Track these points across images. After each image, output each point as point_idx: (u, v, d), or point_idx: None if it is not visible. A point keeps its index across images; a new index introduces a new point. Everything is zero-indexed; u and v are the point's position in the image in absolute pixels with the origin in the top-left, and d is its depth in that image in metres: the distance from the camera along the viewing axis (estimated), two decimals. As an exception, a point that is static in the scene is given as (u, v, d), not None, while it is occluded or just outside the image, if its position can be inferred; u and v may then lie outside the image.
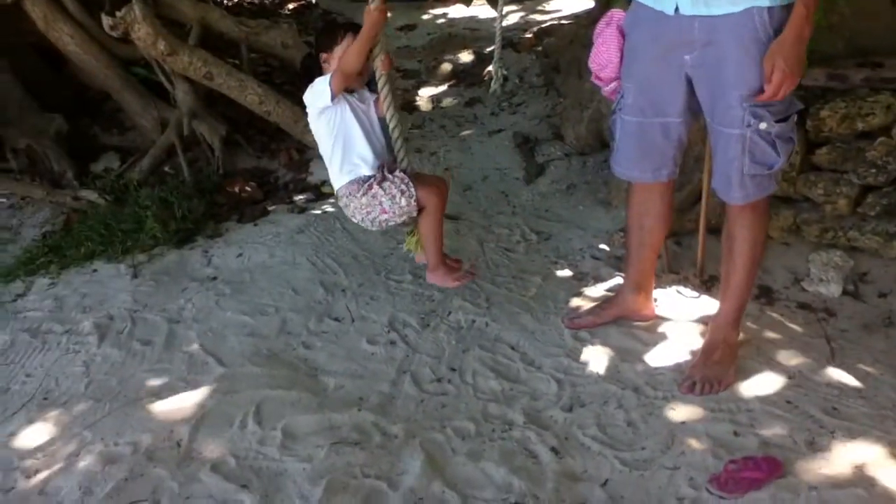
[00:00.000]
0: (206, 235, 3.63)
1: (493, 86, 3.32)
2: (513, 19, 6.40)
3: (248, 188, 4.01)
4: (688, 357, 2.67)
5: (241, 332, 2.91)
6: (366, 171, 2.55)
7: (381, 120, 2.62)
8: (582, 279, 3.23)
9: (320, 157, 4.19)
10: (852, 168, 3.17)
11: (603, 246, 3.47)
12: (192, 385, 2.63)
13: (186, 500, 2.17)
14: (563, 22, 6.08)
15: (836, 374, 2.56)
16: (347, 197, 2.58)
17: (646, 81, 2.47)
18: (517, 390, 2.58)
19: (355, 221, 2.63)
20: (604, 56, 2.60)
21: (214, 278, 3.30)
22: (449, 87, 5.23)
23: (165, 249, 3.52)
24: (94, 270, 3.40)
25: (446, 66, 5.45)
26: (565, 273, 3.29)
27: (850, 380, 2.53)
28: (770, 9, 2.21)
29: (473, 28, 6.04)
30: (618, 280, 3.11)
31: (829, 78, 3.23)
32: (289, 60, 4.91)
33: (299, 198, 4.02)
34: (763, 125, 2.29)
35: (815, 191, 3.25)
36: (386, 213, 2.55)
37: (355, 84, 2.54)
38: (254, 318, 3.00)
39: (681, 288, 3.09)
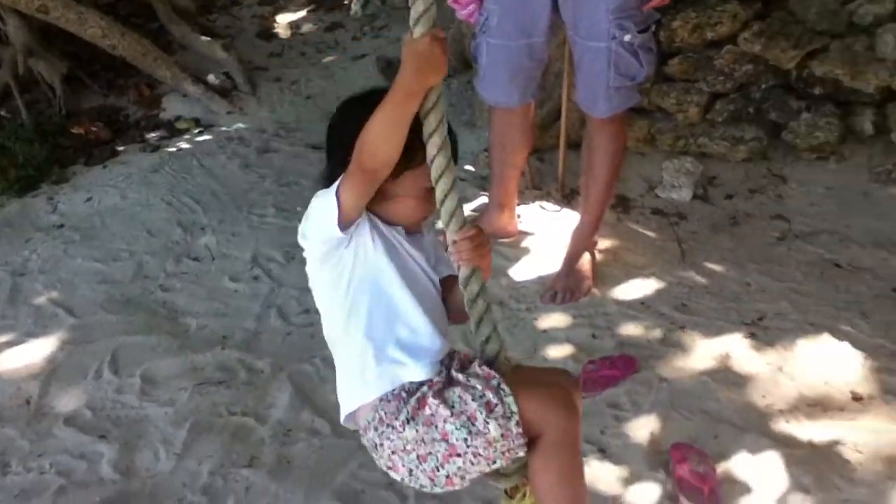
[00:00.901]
0: (50, 182, 3.42)
1: (354, 8, 3.21)
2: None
3: (94, 128, 3.79)
4: (552, 269, 2.73)
5: (92, 280, 2.78)
6: (419, 371, 1.34)
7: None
8: (448, 201, 3.22)
9: (174, 91, 4.09)
10: (702, 77, 3.27)
11: (468, 167, 3.47)
12: (40, 339, 2.49)
13: (39, 458, 2.08)
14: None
15: (687, 273, 2.68)
16: (377, 431, 1.34)
17: (510, 3, 2.44)
18: (385, 315, 2.58)
19: (397, 478, 1.36)
20: None
21: (61, 226, 3.12)
22: (308, 12, 5.05)
23: (6, 199, 3.30)
24: (-72, 226, 3.17)
25: (303, -9, 5.26)
26: None
27: (698, 278, 2.65)
28: None
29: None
30: (483, 199, 3.13)
31: (681, -12, 3.29)
32: (135, -11, 4.62)
33: (152, 136, 3.83)
34: (627, 37, 2.31)
35: (668, 101, 3.34)
36: (458, 454, 1.28)
37: (401, 216, 1.39)
38: (106, 265, 2.86)
39: (543, 203, 3.14)
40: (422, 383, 1.33)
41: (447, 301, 1.44)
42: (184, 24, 4.49)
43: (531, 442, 1.31)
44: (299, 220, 3.00)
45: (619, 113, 2.50)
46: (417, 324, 1.36)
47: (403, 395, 1.32)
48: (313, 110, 4.07)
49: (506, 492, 1.43)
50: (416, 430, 1.29)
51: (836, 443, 1.97)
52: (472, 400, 1.27)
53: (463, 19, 2.67)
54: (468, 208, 3.16)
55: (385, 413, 1.32)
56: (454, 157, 1.33)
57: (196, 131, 3.86)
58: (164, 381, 2.31)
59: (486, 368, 1.33)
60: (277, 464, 2.02)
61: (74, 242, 2.99)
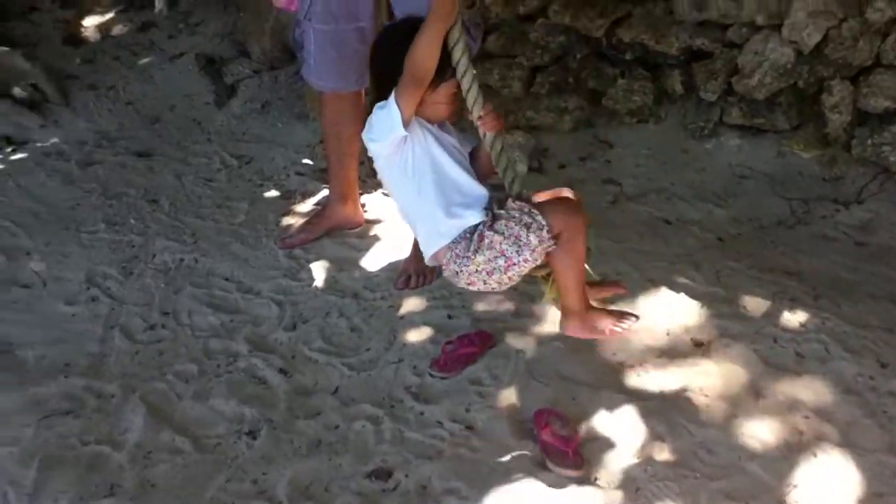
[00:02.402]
0: None
1: (158, 5, 3.09)
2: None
3: None
4: (400, 256, 2.75)
5: None
6: (474, 217, 1.87)
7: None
8: (290, 197, 3.19)
9: None
10: (521, 51, 3.40)
11: (307, 161, 3.44)
12: None
13: None
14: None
15: (529, 244, 2.78)
16: (457, 263, 1.86)
17: None
18: (238, 320, 2.52)
19: (475, 290, 1.92)
20: None
21: None
22: (117, 13, 4.79)
23: None
24: None
25: (109, -9, 4.97)
26: (272, 194, 3.23)
27: (542, 247, 2.76)
28: None
29: None
30: (325, 193, 3.11)
31: (490, -35, 3.39)
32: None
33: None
34: None
35: (492, 77, 3.44)
36: (514, 262, 1.81)
37: (436, 114, 1.92)
38: (-78, 303, 2.62)
39: (385, 190, 3.15)
40: (478, 224, 1.86)
41: (474, 165, 1.99)
42: (-24, 35, 4.15)
43: (556, 237, 1.83)
44: (134, 233, 2.86)
45: None
46: (465, 185, 1.91)
47: (468, 235, 1.86)
48: (135, 116, 3.89)
49: (543, 278, 1.98)
50: (483, 256, 1.83)
51: (684, 389, 2.12)
52: (515, 224, 1.81)
53: (282, 8, 2.62)
54: (311, 203, 3.14)
55: (459, 250, 1.86)
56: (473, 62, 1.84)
57: (8, 150, 3.58)
58: (4, 419, 2.14)
59: (517, 202, 1.87)
60: (141, 489, 1.93)
61: None
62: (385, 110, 1.82)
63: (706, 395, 2.09)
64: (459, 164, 1.91)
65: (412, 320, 2.46)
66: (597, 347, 2.27)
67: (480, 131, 1.90)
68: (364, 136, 1.92)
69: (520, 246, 1.80)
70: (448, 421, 2.07)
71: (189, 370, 2.31)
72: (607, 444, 1.97)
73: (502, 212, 1.86)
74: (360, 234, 2.91)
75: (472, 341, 2.28)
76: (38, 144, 3.63)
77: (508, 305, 2.47)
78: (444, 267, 1.93)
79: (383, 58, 1.90)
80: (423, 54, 1.76)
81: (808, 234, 2.81)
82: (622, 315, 1.97)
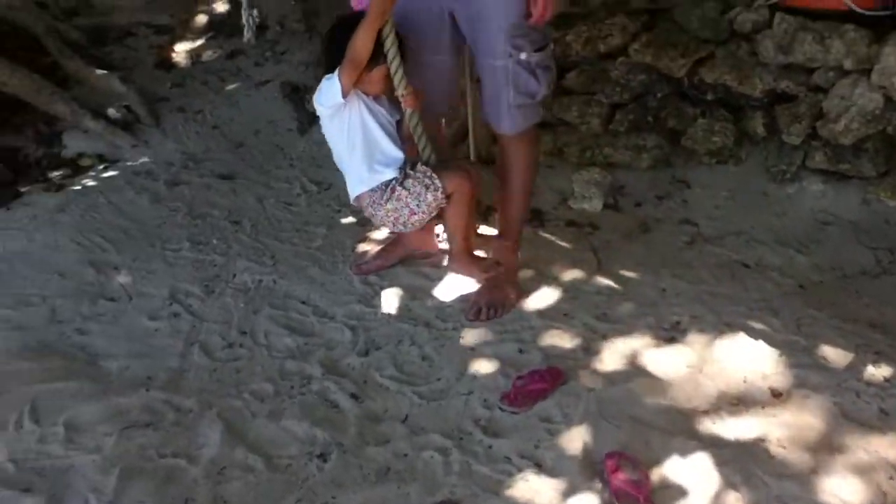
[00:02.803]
0: (-52, 228, 3.27)
1: (246, 35, 3.21)
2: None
3: (-8, 170, 3.64)
4: (473, 287, 2.77)
5: (5, 328, 2.65)
6: (389, 174, 2.41)
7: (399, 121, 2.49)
8: (365, 224, 3.24)
9: (74, 127, 3.96)
10: (600, 89, 3.41)
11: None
12: (-49, 394, 2.38)
13: (-40, 518, 1.98)
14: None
15: (604, 281, 2.77)
16: (372, 206, 2.46)
17: (407, 20, 2.48)
18: (312, 343, 2.57)
19: (387, 229, 2.55)
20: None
21: (-35, 274, 2.98)
22: (207, 39, 4.98)
23: None
24: None
25: (201, 18, 5.17)
26: (349, 220, 3.30)
27: (616, 286, 2.75)
28: None
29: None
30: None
31: (572, 3, 3.42)
32: (19, 23, 4.45)
33: (55, 174, 3.70)
34: (523, 55, 2.38)
35: (571, 113, 3.45)
36: (416, 212, 2.41)
37: (373, 89, 2.37)
38: (18, 311, 2.74)
39: (459, 220, 3.18)
40: (391, 180, 2.41)
41: (400, 133, 2.47)
42: (77, 58, 4.36)
43: (448, 199, 2.44)
44: (216, 253, 2.96)
45: (526, 129, 2.57)
46: (387, 148, 2.41)
47: (383, 187, 2.41)
48: (220, 140, 4.02)
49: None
50: (392, 205, 2.40)
51: (761, 439, 2.06)
52: (419, 184, 2.39)
53: None
54: (385, 230, 3.18)
55: (374, 199, 2.43)
56: (402, 53, 2.31)
57: (101, 167, 3.75)
58: (88, 427, 2.23)
59: (424, 167, 2.43)
60: (214, 504, 1.98)
61: (-19, 290, 2.87)
62: (330, 81, 2.30)
63: (783, 447, 2.04)
64: (385, 131, 2.40)
65: (483, 352, 2.47)
66: (670, 391, 2.24)
67: (402, 106, 2.39)
68: (314, 99, 2.40)
69: (419, 201, 2.39)
70: (516, 456, 2.07)
71: (264, 390, 2.37)
72: (680, 492, 1.93)
73: (412, 172, 2.41)
74: (434, 264, 2.94)
75: (543, 377, 2.27)
76: (129, 163, 3.79)
77: (581, 343, 2.46)
78: (364, 208, 2.50)
79: (333, 42, 2.33)
80: (360, 44, 2.21)
81: (894, 286, 2.73)
82: (493, 265, 2.63)
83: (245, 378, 2.43)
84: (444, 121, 2.85)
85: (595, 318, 2.57)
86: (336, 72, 2.28)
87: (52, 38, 4.38)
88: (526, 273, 2.83)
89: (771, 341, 2.41)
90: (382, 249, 3.00)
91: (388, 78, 2.34)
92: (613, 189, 3.34)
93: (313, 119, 4.11)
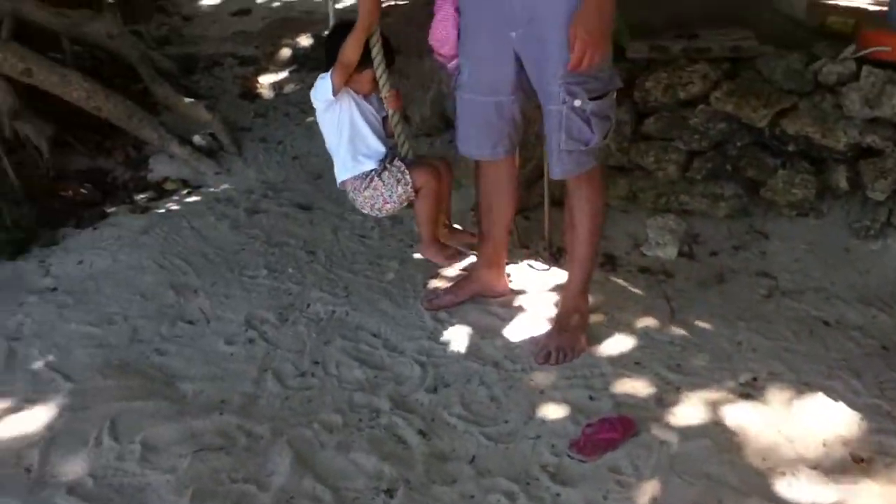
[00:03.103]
0: (41, 244, 3.40)
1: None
2: (348, 1, 6.33)
3: (83, 190, 3.79)
4: (543, 328, 2.77)
5: (88, 345, 2.76)
6: (369, 165, 2.69)
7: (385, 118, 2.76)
8: (437, 260, 3.27)
9: (160, 152, 4.11)
10: (678, 135, 3.39)
11: (456, 225, 3.51)
12: (38, 405, 2.47)
13: (42, 529, 2.05)
14: (400, 2, 6.07)
15: (678, 331, 2.74)
16: (353, 192, 2.75)
17: (478, 59, 2.54)
18: (382, 377, 2.60)
19: (364, 212, 2.81)
20: (441, 32, 2.65)
21: (55, 289, 3.10)
22: (290, 72, 5.12)
23: (-4, 262, 3.28)
24: (-84, 292, 3.13)
25: (285, 52, 5.32)
26: (421, 255, 3.33)
27: (690, 336, 2.71)
28: None
29: (309, 11, 5.92)
30: (472, 258, 3.18)
31: (652, 49, 3.42)
32: (116, 52, 4.66)
33: (140, 197, 3.84)
34: (577, 102, 2.37)
35: (647, 159, 3.44)
36: (388, 202, 2.72)
37: (363, 88, 2.65)
38: (101, 328, 2.85)
39: (532, 261, 3.20)
40: (371, 170, 2.69)
41: (385, 128, 2.76)
42: (167, 86, 4.53)
43: (417, 192, 2.72)
44: (292, 282, 3.02)
45: (591, 173, 2.56)
46: (371, 141, 2.70)
47: (363, 176, 2.70)
48: (299, 171, 4.11)
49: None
50: (369, 192, 2.71)
51: (840, 506, 2.00)
52: (392, 178, 2.69)
53: (450, 73, 2.75)
54: (458, 267, 3.21)
55: (355, 186, 2.73)
56: (391, 56, 2.65)
57: (184, 192, 3.87)
58: (164, 447, 2.29)
59: (399, 162, 2.72)
60: (283, 533, 2.01)
61: (68, 306, 2.98)
62: (324, 80, 2.57)
63: (863, 515, 1.98)
64: (370, 126, 2.68)
65: (552, 396, 2.47)
66: (745, 449, 2.19)
67: (385, 105, 2.67)
68: (311, 94, 2.66)
69: (391, 192, 2.69)
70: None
71: (334, 420, 2.40)
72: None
73: (389, 166, 2.69)
74: (504, 303, 2.95)
75: (613, 426, 2.25)
76: (212, 190, 3.91)
77: (653, 393, 2.43)
78: (348, 192, 2.79)
79: (331, 45, 2.60)
80: (349, 51, 2.49)
81: (982, 351, 2.63)
82: (457, 254, 2.95)
83: (315, 407, 2.47)
84: (517, 159, 2.87)
85: (668, 368, 2.54)
86: (329, 72, 2.56)
87: (145, 66, 4.56)
88: (596, 318, 2.82)
89: (852, 404, 2.34)
90: (453, 286, 3.02)
91: (375, 80, 2.63)
92: (688, 237, 3.30)
93: (390, 153, 4.20)
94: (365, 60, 2.56)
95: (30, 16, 4.47)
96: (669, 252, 3.21)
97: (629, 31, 3.34)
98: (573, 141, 2.44)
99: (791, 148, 3.29)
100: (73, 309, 2.97)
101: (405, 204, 2.76)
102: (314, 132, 4.41)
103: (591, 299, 2.83)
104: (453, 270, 3.19)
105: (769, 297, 2.93)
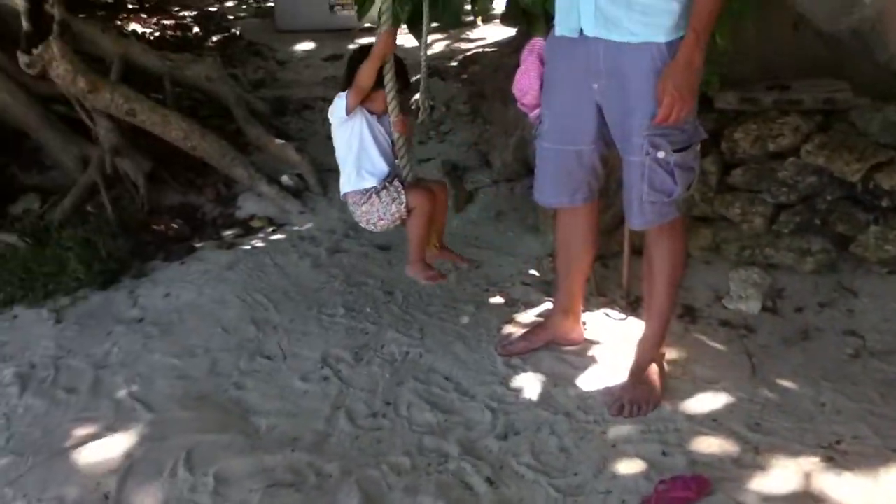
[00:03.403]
0: (131, 276, 3.56)
1: (421, 116, 3.35)
2: (438, 48, 6.47)
3: (174, 225, 3.95)
4: (617, 379, 2.72)
5: (170, 376, 2.86)
6: (371, 182, 2.78)
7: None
8: (513, 305, 3.27)
9: (249, 190, 4.27)
10: (766, 187, 3.30)
11: (533, 272, 3.52)
12: (119, 433, 2.56)
13: (116, 555, 2.11)
14: (487, 50, 6.17)
15: (758, 389, 2.65)
16: (353, 205, 2.84)
17: (560, 109, 2.55)
18: (452, 421, 2.59)
19: (361, 225, 2.89)
20: (524, 83, 2.68)
21: (141, 320, 3.23)
22: (378, 115, 5.25)
23: (89, 291, 3.43)
24: (15, 317, 3.29)
25: (373, 96, 5.47)
26: (497, 300, 3.33)
27: (771, 395, 2.62)
28: (669, 43, 2.30)
29: (401, 57, 6.08)
30: (548, 305, 3.16)
31: (742, 101, 3.37)
32: (214, 94, 4.87)
33: (227, 233, 3.97)
34: (661, 154, 2.36)
35: (733, 210, 3.36)
36: (383, 218, 2.80)
37: (377, 109, 2.75)
38: (183, 361, 2.95)
39: (608, 310, 3.15)
40: (372, 187, 2.76)
41: (393, 150, 2.82)
42: (259, 127, 4.70)
43: (410, 211, 2.79)
44: (369, 321, 3.05)
45: (672, 224, 2.53)
46: (376, 160, 2.77)
47: (363, 191, 2.77)
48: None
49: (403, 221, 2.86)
50: (367, 208, 2.78)
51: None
52: (389, 197, 2.76)
53: (532, 122, 2.78)
54: (533, 313, 3.19)
55: (354, 199, 2.80)
56: (404, 81, 2.73)
57: (270, 230, 4.00)
58: (236, 481, 2.34)
59: (398, 183, 2.79)
60: (347, 573, 2.01)
61: (153, 337, 3.09)
62: (341, 99, 2.69)
63: None
64: (378, 146, 2.76)
65: (624, 450, 2.41)
66: (827, 516, 2.10)
67: (392, 128, 2.75)
68: (328, 110, 2.77)
69: (386, 210, 2.76)
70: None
71: (402, 463, 2.41)
72: None
73: (388, 185, 2.76)
74: (578, 352, 2.91)
75: (687, 485, 2.18)
76: (296, 228, 4.01)
77: (730, 453, 2.35)
78: (349, 204, 2.86)
79: (350, 67, 2.70)
80: (363, 75, 2.61)
81: None
82: (439, 276, 2.96)
83: (385, 449, 2.48)
84: (596, 207, 2.85)
85: (747, 427, 2.46)
86: (346, 92, 2.69)
87: (239, 108, 4.75)
88: (673, 371, 2.75)
89: (943, 475, 2.21)
90: (528, 332, 3.00)
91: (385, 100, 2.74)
92: (773, 291, 3.21)
93: (470, 198, 4.24)
94: (380, 84, 2.68)
95: (137, 59, 4.74)
96: (752, 306, 3.12)
97: (718, 81, 3.30)
98: (656, 192, 2.42)
99: (885, 203, 3.17)
100: (157, 340, 3.08)
101: (398, 222, 2.83)
102: (397, 175, 4.51)
103: (668, 352, 2.77)
104: (529, 316, 3.18)
105: (856, 358, 2.81)
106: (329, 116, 2.80)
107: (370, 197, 2.77)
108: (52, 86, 4.20)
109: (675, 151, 2.37)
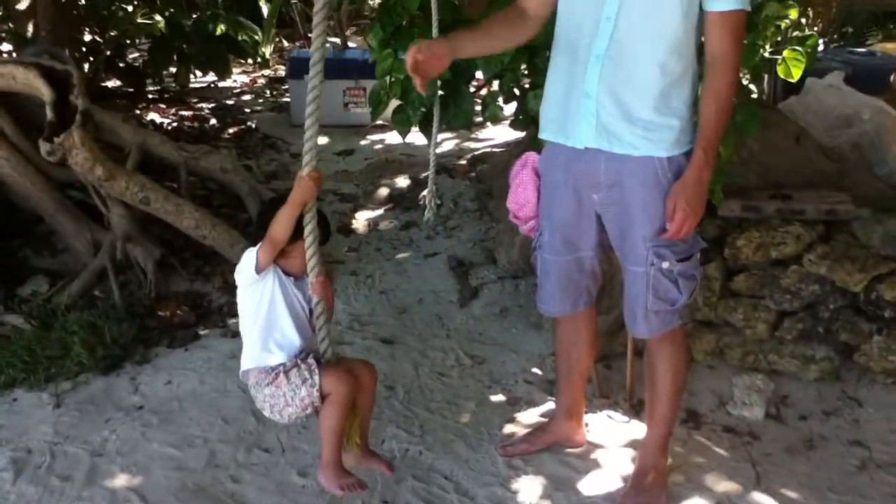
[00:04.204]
0: (134, 361, 3.55)
1: (427, 214, 3.41)
2: (448, 146, 6.62)
3: (180, 312, 3.97)
4: (620, 484, 2.69)
5: (167, 466, 2.82)
6: (279, 358, 2.38)
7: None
8: (515, 404, 3.25)
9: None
10: (769, 294, 3.33)
11: (536, 370, 3.51)
12: (112, 524, 2.52)
13: None
14: (496, 150, 6.32)
15: (762, 498, 2.61)
16: (255, 387, 2.43)
17: (560, 220, 2.58)
18: (450, 523, 2.55)
19: (265, 414, 2.46)
20: (521, 196, 2.72)
21: (141, 407, 3.21)
22: (385, 210, 5.34)
23: (91, 376, 3.42)
24: (15, 399, 3.27)
25: (383, 191, 5.57)
26: (499, 398, 3.31)
27: (775, 505, 2.58)
28: (670, 158, 2.35)
29: (410, 154, 6.22)
30: (551, 404, 3.14)
31: (744, 209, 3.43)
32: (228, 184, 4.97)
33: (232, 321, 3.98)
34: (665, 264, 2.38)
35: (736, 316, 3.38)
36: (289, 404, 2.37)
37: (293, 268, 2.41)
38: (181, 451, 2.91)
39: (611, 412, 3.13)
40: (280, 364, 2.39)
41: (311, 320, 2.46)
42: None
43: (324, 398, 2.38)
44: (372, 417, 2.94)
45: (673, 332, 2.54)
46: (287, 330, 2.40)
47: (269, 369, 2.39)
48: (386, 305, 4.21)
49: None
50: (270, 390, 2.38)
51: None
52: (299, 377, 2.36)
53: (524, 234, 2.82)
54: (535, 413, 3.17)
55: (258, 379, 2.42)
56: (325, 234, 2.46)
57: (276, 321, 4.01)
58: (228, 579, 2.29)
59: (312, 360, 2.39)
60: None
61: (152, 426, 3.07)
62: (250, 254, 2.34)
63: None
64: (291, 313, 2.40)
65: (626, 559, 2.36)
66: None
67: (310, 291, 2.41)
68: (237, 269, 2.41)
69: (294, 393, 2.35)
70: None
71: (398, 565, 2.35)
72: None
73: (299, 363, 2.38)
74: (581, 455, 2.88)
75: None
76: (301, 319, 4.02)
77: None
78: (249, 384, 2.47)
79: (262, 218, 2.41)
80: (278, 227, 2.28)
81: None
82: (359, 484, 2.43)
83: (381, 549, 2.42)
84: (594, 310, 2.86)
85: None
86: (256, 247, 2.32)
87: (252, 199, 4.84)
88: (676, 478, 2.72)
89: None
90: (530, 433, 2.98)
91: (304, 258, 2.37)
92: (776, 398, 3.19)
93: (474, 294, 4.26)
94: (294, 236, 2.33)
95: (155, 149, 4.86)
96: (756, 413, 3.10)
97: (722, 192, 3.38)
98: (660, 301, 2.44)
99: (888, 314, 3.19)
100: (156, 429, 3.06)
101: (309, 410, 2.38)
102: (404, 268, 4.57)
103: (671, 457, 2.74)
104: (531, 416, 3.15)
105: (862, 469, 2.77)
106: (235, 275, 2.41)
107: (276, 377, 2.36)
108: (69, 172, 4.30)
109: (678, 261, 2.40)
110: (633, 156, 2.35)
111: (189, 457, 2.88)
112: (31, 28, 6.98)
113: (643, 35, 2.28)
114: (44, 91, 4.17)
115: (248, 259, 2.34)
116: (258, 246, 2.32)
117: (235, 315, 4.03)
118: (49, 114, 4.13)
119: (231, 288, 4.26)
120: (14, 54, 6.61)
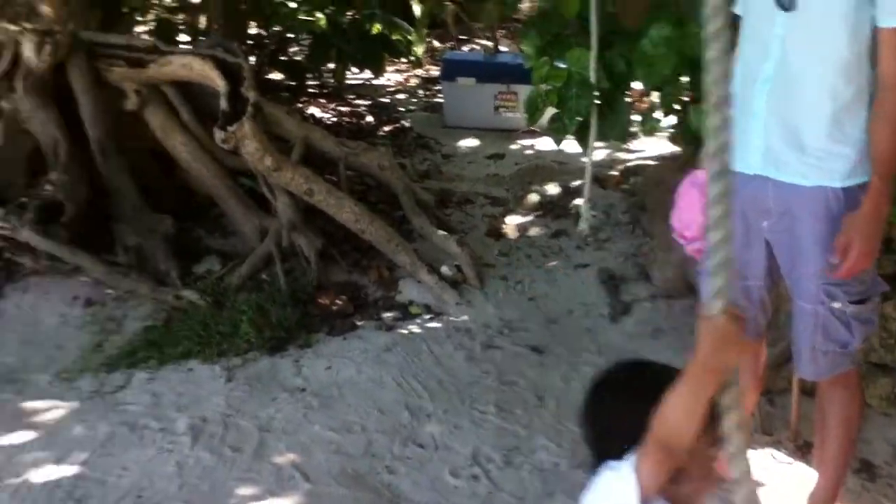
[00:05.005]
0: (297, 345, 3.72)
1: (582, 225, 3.38)
2: (599, 156, 6.52)
3: (339, 301, 4.12)
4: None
5: (328, 449, 2.94)
6: None
7: None
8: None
9: (410, 277, 4.40)
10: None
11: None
12: (279, 499, 2.64)
13: None
14: (649, 162, 6.20)
15: (942, 562, 2.45)
16: None
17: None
18: (603, 541, 2.52)
19: None
20: (687, 216, 2.63)
21: (304, 389, 3.36)
22: (535, 217, 5.34)
23: (258, 355, 3.60)
24: (190, 370, 3.49)
25: (533, 197, 5.57)
26: (651, 420, 3.25)
27: (957, 570, 2.41)
28: (845, 189, 2.20)
29: (561, 161, 6.19)
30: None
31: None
32: (384, 181, 5.11)
33: (387, 315, 4.10)
34: (837, 304, 2.24)
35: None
36: None
37: (699, 494, 1.41)
38: (340, 435, 3.03)
39: (774, 451, 3.01)
40: None
41: None
42: (423, 217, 4.87)
43: None
44: (520, 424, 3.01)
45: (847, 376, 2.39)
46: None
47: None
48: (535, 312, 4.21)
49: None
50: None
51: None
52: None
53: (688, 254, 2.73)
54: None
55: None
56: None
57: (427, 317, 4.09)
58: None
59: None
60: None
61: (314, 408, 3.21)
62: (616, 475, 1.34)
63: None
64: None
65: None
66: None
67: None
68: (582, 498, 1.45)
69: None
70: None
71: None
72: None
73: None
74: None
75: None
76: (452, 319, 4.09)
77: None
78: None
79: (602, 405, 1.48)
80: (680, 417, 1.27)
81: None
82: None
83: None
84: (764, 342, 2.75)
85: None
86: (630, 460, 1.33)
87: (406, 197, 4.96)
88: (846, 528, 2.58)
89: None
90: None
91: (713, 476, 1.38)
92: (958, 452, 2.98)
93: (626, 310, 4.20)
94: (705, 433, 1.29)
95: (317, 143, 5.06)
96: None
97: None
98: (829, 342, 2.30)
99: None
100: (317, 411, 3.19)
101: None
102: (553, 277, 4.56)
103: (841, 507, 2.61)
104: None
105: None
106: None
107: None
108: (240, 160, 4.54)
109: (851, 303, 2.25)
110: (804, 185, 2.23)
111: (348, 442, 2.98)
112: (203, 21, 7.41)
113: (810, 57, 2.16)
114: (218, 82, 4.42)
115: (618, 489, 1.34)
116: (633, 459, 1.32)
117: (390, 310, 4.17)
118: (223, 104, 4.38)
119: (386, 283, 4.41)
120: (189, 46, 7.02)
